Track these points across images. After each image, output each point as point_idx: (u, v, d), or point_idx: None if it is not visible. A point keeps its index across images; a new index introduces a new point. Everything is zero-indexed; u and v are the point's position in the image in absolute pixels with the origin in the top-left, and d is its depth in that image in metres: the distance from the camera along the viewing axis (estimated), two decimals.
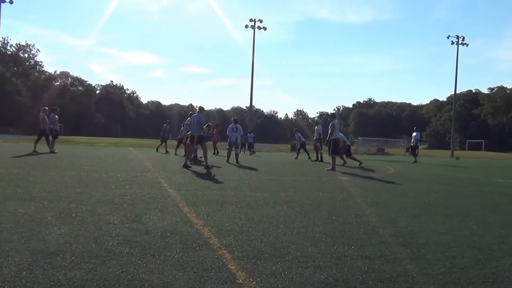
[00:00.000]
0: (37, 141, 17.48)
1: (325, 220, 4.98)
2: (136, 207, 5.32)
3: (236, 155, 16.52)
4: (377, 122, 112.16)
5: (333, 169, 13.62)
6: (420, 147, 23.97)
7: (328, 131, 14.11)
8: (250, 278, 2.88)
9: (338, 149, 14.40)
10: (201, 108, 13.32)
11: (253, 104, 47.52)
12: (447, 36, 47.32)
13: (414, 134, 23.11)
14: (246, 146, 29.47)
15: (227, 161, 16.18)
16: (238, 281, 2.81)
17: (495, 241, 4.26)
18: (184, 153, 17.43)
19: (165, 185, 7.75)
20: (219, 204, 5.80)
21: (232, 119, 17.61)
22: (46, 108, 18.58)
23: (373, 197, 7.30)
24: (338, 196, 7.25)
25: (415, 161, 22.16)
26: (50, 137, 17.93)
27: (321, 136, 20.51)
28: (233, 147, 16.72)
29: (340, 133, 14.83)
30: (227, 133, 16.85)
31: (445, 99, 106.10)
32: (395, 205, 6.42)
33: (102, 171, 10.02)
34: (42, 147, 17.81)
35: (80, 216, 4.61)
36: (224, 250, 3.53)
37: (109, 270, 2.91)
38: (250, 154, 26.92)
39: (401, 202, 6.76)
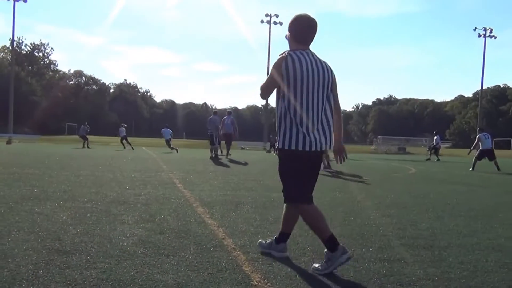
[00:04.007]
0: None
1: (343, 222, 4.90)
2: (150, 207, 5.30)
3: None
4: (398, 120, 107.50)
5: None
6: (442, 145, 26.53)
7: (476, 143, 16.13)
8: (265, 280, 2.82)
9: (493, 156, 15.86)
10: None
11: (269, 102, 47.25)
12: (474, 28, 45.01)
13: (435, 137, 25.70)
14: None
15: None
16: (252, 283, 2.76)
17: None
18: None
19: (179, 185, 7.74)
20: (233, 205, 5.76)
21: None
22: (231, 111, 18.68)
23: (393, 198, 7.15)
24: (356, 196, 7.13)
25: (438, 159, 24.52)
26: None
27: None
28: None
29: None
30: None
31: (471, 95, 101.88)
32: (416, 207, 6.25)
33: (116, 171, 10.06)
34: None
35: (95, 216, 4.61)
36: (238, 251, 3.48)
37: (124, 270, 2.89)
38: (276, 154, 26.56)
39: (422, 204, 6.59)
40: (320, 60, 3.17)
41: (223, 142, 18.57)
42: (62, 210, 4.90)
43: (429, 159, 24.95)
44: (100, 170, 10.13)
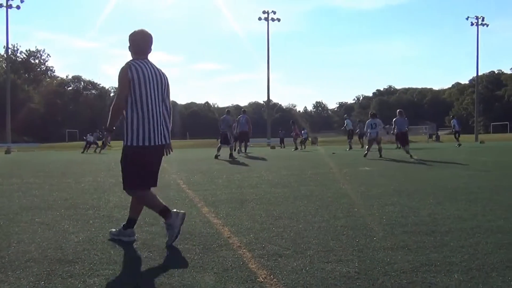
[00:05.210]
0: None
1: (347, 213, 4.90)
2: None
3: (380, 150, 15.38)
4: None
5: None
6: (442, 132, 27.04)
7: None
8: (271, 276, 2.82)
9: None
10: None
11: (271, 98, 46.84)
12: (466, 17, 45.79)
13: (452, 121, 27.13)
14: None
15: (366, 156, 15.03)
16: (258, 280, 2.76)
17: None
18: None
19: (183, 186, 7.74)
20: (238, 203, 5.75)
21: (370, 113, 16.86)
22: None
23: (395, 186, 7.17)
24: (359, 187, 7.13)
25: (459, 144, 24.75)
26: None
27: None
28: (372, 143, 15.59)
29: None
30: (365, 129, 16.37)
31: (467, 82, 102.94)
32: (417, 193, 6.29)
33: (119, 175, 9.89)
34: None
35: (98, 223, 4.60)
36: (244, 249, 3.48)
37: (128, 275, 2.89)
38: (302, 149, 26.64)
39: (424, 190, 6.63)
40: (156, 68, 3.77)
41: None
42: (63, 218, 4.85)
43: (459, 144, 24.99)
44: (102, 175, 10.10)
